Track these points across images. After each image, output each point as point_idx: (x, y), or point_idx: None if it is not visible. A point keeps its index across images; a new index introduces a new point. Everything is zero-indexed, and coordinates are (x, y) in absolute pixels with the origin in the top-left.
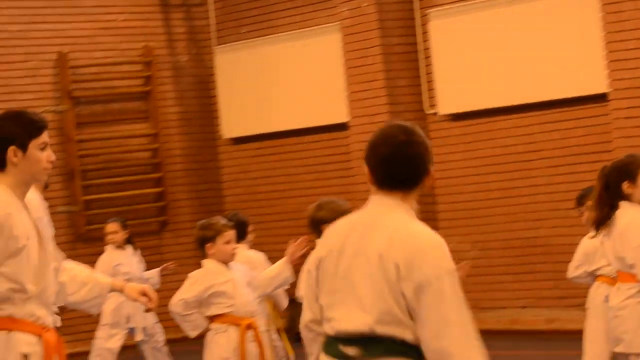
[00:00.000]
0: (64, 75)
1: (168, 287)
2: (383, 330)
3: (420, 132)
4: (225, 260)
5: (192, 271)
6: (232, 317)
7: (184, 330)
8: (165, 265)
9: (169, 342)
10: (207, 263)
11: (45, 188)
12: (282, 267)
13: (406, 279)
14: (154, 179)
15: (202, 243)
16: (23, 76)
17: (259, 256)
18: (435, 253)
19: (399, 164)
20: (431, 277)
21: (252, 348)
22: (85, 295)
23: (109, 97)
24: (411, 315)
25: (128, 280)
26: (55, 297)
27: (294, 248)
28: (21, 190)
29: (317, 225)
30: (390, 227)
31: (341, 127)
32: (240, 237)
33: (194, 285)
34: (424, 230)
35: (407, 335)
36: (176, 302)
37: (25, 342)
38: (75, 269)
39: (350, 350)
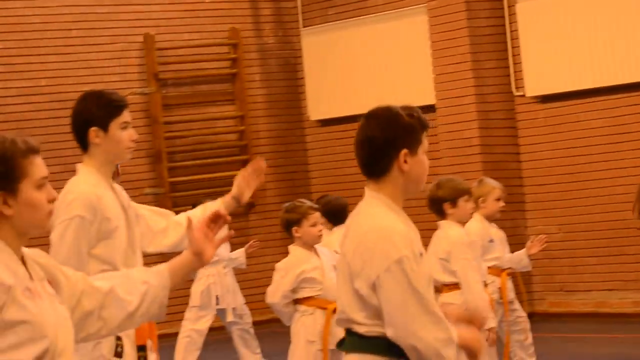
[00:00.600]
0: (150, 58)
1: (254, 268)
2: (346, 325)
3: (388, 113)
4: (312, 243)
5: (277, 253)
6: (320, 301)
7: (282, 320)
8: (250, 243)
9: (255, 324)
10: (293, 250)
11: (116, 176)
12: None
13: (358, 277)
14: (240, 161)
15: (288, 226)
16: (110, 58)
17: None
18: (382, 246)
19: (358, 149)
20: (381, 272)
21: (338, 332)
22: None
23: (195, 79)
24: (370, 312)
25: (215, 261)
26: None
27: None
28: (105, 170)
29: (436, 204)
30: (354, 224)
31: (428, 109)
32: (341, 221)
33: (285, 276)
34: (375, 224)
35: (364, 331)
36: (273, 294)
37: None
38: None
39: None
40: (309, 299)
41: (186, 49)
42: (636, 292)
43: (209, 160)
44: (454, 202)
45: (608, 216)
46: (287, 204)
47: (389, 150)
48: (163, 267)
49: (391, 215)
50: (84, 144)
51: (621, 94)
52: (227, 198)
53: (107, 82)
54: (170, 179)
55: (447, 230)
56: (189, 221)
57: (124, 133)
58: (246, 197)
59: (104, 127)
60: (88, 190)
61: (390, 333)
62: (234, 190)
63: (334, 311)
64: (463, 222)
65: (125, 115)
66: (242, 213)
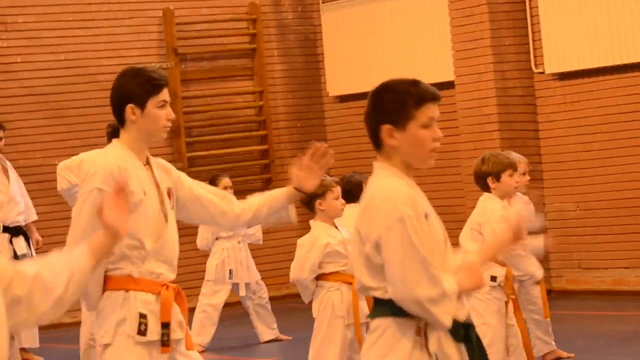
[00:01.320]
0: (169, 32)
1: (270, 244)
2: (364, 293)
3: (378, 89)
4: (335, 216)
5: (294, 229)
6: (345, 275)
7: (304, 296)
8: None
9: (271, 299)
10: (314, 225)
11: None
12: None
13: (367, 240)
14: (258, 137)
15: (311, 200)
16: (129, 33)
17: None
18: (385, 207)
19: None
20: (382, 232)
21: (362, 306)
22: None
23: (214, 54)
24: (377, 274)
25: (231, 236)
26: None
27: None
28: (140, 147)
29: (481, 179)
30: (364, 195)
31: (447, 85)
32: (355, 199)
33: (311, 250)
34: (379, 188)
35: (379, 295)
36: (301, 269)
37: (142, 301)
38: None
39: None
40: (335, 274)
41: (205, 23)
42: None
43: (227, 135)
44: (497, 177)
45: (626, 194)
46: None
47: (373, 124)
48: (84, 249)
49: (394, 179)
50: (120, 120)
51: (638, 72)
52: (290, 189)
53: (126, 57)
54: (189, 154)
55: (485, 202)
56: (100, 207)
57: (162, 112)
58: (309, 185)
59: (141, 105)
60: (112, 162)
61: (390, 291)
62: (294, 181)
63: None
64: (506, 196)
65: (164, 94)
66: (259, 188)
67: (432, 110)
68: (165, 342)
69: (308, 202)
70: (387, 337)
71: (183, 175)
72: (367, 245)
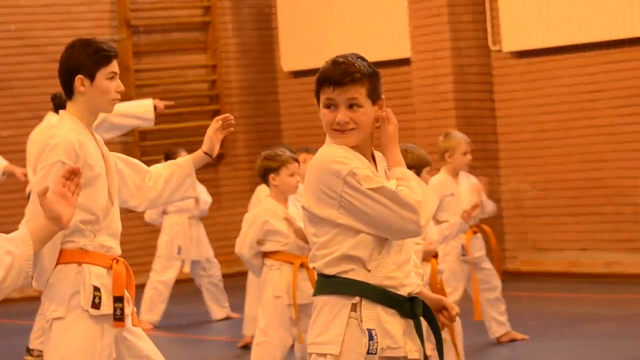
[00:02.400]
0: (122, 4)
1: (222, 220)
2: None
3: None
4: (288, 193)
5: (247, 204)
6: (286, 255)
7: (252, 272)
8: None
9: (223, 276)
10: (264, 200)
11: None
12: None
13: (312, 202)
14: (211, 111)
15: (266, 173)
16: (81, 4)
17: None
18: (332, 168)
19: None
20: (340, 191)
21: (305, 287)
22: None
23: (167, 26)
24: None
25: (180, 211)
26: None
27: None
28: (88, 119)
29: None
30: None
31: (403, 62)
32: None
33: (251, 226)
34: (322, 154)
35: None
36: (241, 245)
37: (96, 274)
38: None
39: None
40: (276, 253)
41: None
42: (609, 252)
43: (179, 110)
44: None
45: (583, 174)
46: (266, 151)
47: None
48: (25, 234)
49: (334, 146)
50: (69, 92)
51: (598, 51)
52: (199, 153)
53: (77, 28)
54: (140, 128)
55: None
56: (45, 188)
57: (111, 84)
58: (216, 150)
59: (91, 76)
60: (72, 136)
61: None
62: (205, 144)
63: (302, 265)
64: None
65: (114, 66)
66: (210, 164)
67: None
68: (118, 316)
69: (263, 176)
70: (325, 314)
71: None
72: (314, 208)
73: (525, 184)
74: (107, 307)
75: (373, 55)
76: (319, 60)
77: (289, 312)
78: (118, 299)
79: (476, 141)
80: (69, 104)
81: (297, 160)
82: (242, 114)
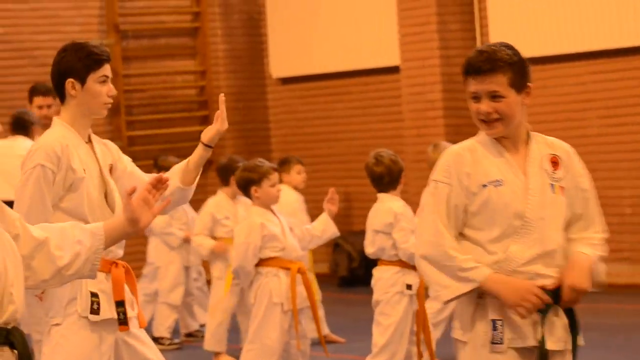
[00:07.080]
0: (111, 8)
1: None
2: None
3: None
4: (270, 203)
5: None
6: (282, 261)
7: (242, 282)
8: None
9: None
10: (251, 210)
11: None
12: (325, 224)
13: None
14: (199, 117)
15: (247, 186)
16: (69, 8)
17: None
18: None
19: None
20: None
21: (301, 291)
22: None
23: (156, 32)
24: None
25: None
26: None
27: (329, 205)
28: (80, 123)
29: (379, 180)
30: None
31: (392, 70)
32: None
33: (250, 234)
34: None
35: None
36: (244, 255)
37: (93, 279)
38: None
39: None
40: (272, 260)
41: (148, 1)
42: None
43: (168, 115)
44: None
45: None
46: (245, 163)
47: None
48: (99, 228)
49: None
50: (61, 95)
51: (586, 61)
52: (200, 149)
53: (65, 32)
54: (128, 133)
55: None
56: (132, 188)
57: (102, 88)
58: (214, 140)
59: (82, 80)
60: (53, 140)
61: None
62: (203, 137)
63: (298, 271)
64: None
65: (105, 69)
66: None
67: None
68: (122, 320)
69: (244, 188)
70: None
71: (121, 152)
72: None
73: None
74: (107, 311)
75: (362, 63)
76: (308, 67)
77: (286, 318)
78: (119, 304)
79: None
80: (62, 108)
81: (277, 170)
82: (231, 121)
